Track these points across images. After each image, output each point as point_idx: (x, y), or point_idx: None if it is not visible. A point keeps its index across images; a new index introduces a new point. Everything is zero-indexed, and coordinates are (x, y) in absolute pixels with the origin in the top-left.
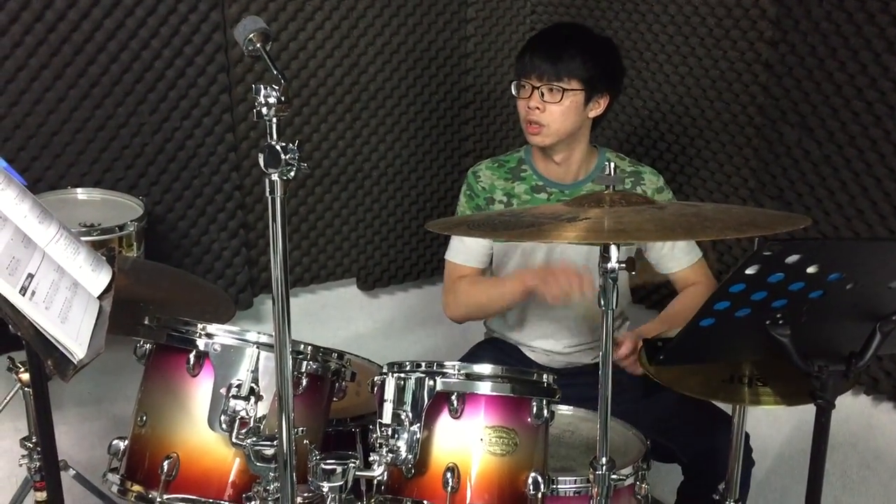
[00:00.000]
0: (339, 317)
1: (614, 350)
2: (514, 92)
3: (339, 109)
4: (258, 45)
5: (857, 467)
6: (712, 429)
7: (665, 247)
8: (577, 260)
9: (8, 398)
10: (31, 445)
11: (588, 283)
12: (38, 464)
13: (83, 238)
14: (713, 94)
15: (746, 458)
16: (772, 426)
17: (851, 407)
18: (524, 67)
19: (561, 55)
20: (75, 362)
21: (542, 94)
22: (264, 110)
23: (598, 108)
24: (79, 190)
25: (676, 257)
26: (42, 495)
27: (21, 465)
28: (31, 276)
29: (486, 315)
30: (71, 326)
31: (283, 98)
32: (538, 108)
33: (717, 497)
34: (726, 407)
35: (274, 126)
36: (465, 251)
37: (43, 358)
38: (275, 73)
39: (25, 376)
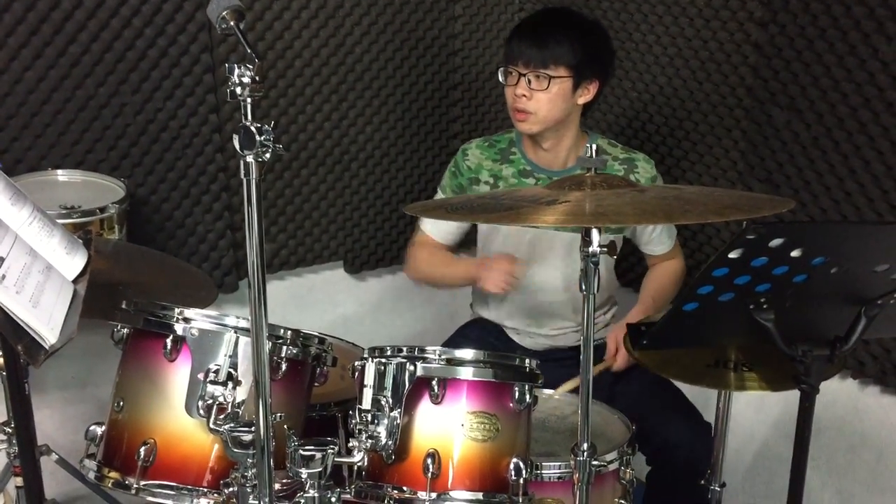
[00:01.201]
0: (326, 300)
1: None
2: (501, 79)
3: (325, 90)
4: (231, 24)
5: (844, 451)
6: (673, 420)
7: (654, 231)
8: (560, 244)
9: None
10: (10, 430)
11: (521, 271)
12: (17, 448)
13: (63, 220)
14: (702, 76)
15: (706, 444)
16: (759, 410)
17: (838, 391)
18: (511, 54)
19: (547, 41)
20: (46, 347)
21: (529, 82)
22: (238, 90)
23: (587, 94)
24: (59, 171)
25: (663, 241)
26: (22, 480)
27: (0, 451)
28: (1, 259)
29: (439, 286)
30: (42, 311)
31: (257, 77)
32: (525, 95)
33: (703, 482)
34: (711, 392)
35: (248, 106)
36: (436, 225)
37: (13, 343)
38: (248, 51)
39: (2, 360)
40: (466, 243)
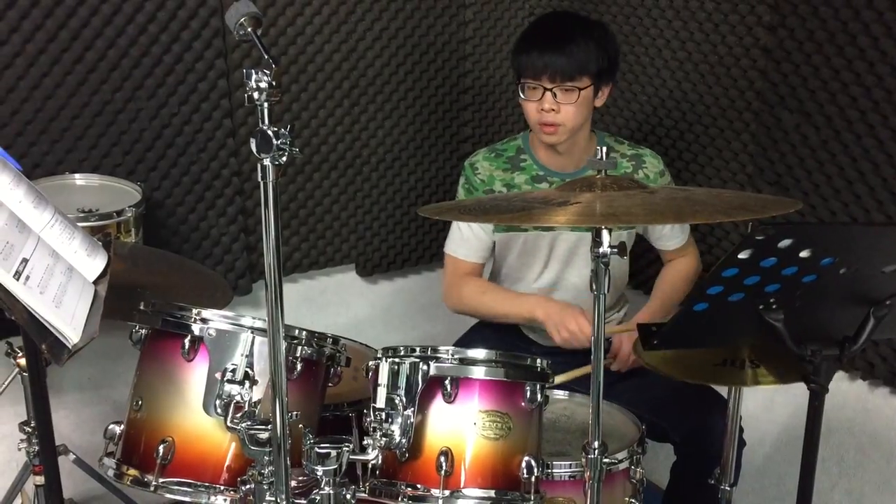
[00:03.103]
0: (338, 303)
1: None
2: (521, 94)
3: (338, 95)
4: (249, 30)
5: (854, 452)
6: (705, 408)
7: (665, 227)
8: (580, 246)
9: (6, 383)
10: (30, 430)
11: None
12: (36, 448)
13: (81, 224)
14: (711, 80)
15: (738, 439)
16: (768, 411)
17: (848, 392)
18: (532, 69)
19: (571, 52)
20: (70, 346)
21: (555, 95)
22: (255, 95)
23: (603, 96)
24: (77, 175)
25: (676, 235)
26: (41, 479)
27: (20, 450)
28: (25, 260)
29: (486, 319)
30: (65, 311)
31: (274, 83)
32: (554, 109)
33: (713, 481)
34: (721, 389)
35: (266, 111)
36: (465, 245)
37: (37, 342)
38: (266, 57)
39: (24, 361)
40: None
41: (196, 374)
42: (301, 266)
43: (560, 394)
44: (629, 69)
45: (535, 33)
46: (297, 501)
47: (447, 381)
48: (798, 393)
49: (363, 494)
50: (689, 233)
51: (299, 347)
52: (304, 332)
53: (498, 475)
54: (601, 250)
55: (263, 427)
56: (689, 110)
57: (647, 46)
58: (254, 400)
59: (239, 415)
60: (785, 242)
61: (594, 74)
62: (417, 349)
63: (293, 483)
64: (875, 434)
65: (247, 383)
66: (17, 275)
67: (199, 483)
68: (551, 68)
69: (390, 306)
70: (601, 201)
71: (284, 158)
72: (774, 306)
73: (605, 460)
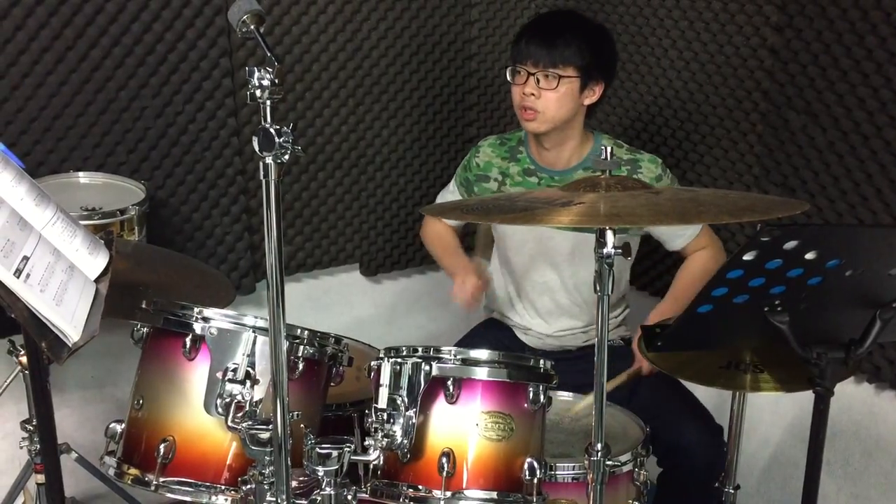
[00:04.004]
0: (341, 302)
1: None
2: (508, 78)
3: (343, 94)
4: (252, 27)
5: (859, 455)
6: (685, 422)
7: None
8: (565, 245)
9: (8, 381)
10: (32, 428)
11: (477, 291)
12: (38, 446)
13: (84, 222)
14: (718, 80)
15: (719, 447)
16: (774, 413)
17: (854, 395)
18: (519, 53)
19: (556, 42)
20: (69, 345)
21: (538, 81)
22: (258, 93)
23: (592, 95)
24: (81, 174)
25: (679, 234)
26: (43, 477)
27: (22, 448)
28: (26, 258)
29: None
30: (66, 309)
31: (277, 80)
32: (533, 94)
33: (718, 484)
34: (726, 395)
35: (268, 109)
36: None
37: (37, 340)
38: (268, 54)
39: (26, 359)
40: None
41: (197, 374)
42: (305, 265)
43: (563, 395)
44: (635, 69)
45: (531, 25)
46: (297, 502)
47: (449, 382)
48: (803, 396)
49: (364, 495)
50: (699, 226)
51: (301, 347)
52: (307, 332)
53: (500, 476)
54: (605, 251)
55: (264, 427)
56: (695, 110)
57: (653, 46)
58: (255, 399)
59: (240, 414)
60: (791, 244)
61: (579, 67)
62: (420, 349)
63: (294, 483)
64: (881, 437)
65: (248, 383)
66: (18, 272)
67: (199, 482)
68: (536, 54)
69: (393, 306)
70: (605, 202)
71: (287, 157)
72: (779, 308)
73: (609, 462)
